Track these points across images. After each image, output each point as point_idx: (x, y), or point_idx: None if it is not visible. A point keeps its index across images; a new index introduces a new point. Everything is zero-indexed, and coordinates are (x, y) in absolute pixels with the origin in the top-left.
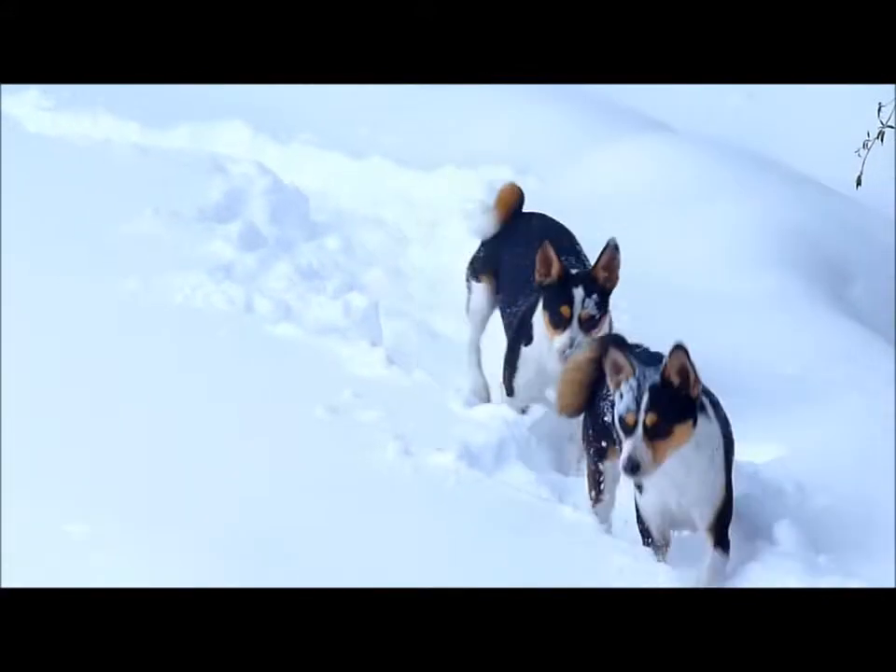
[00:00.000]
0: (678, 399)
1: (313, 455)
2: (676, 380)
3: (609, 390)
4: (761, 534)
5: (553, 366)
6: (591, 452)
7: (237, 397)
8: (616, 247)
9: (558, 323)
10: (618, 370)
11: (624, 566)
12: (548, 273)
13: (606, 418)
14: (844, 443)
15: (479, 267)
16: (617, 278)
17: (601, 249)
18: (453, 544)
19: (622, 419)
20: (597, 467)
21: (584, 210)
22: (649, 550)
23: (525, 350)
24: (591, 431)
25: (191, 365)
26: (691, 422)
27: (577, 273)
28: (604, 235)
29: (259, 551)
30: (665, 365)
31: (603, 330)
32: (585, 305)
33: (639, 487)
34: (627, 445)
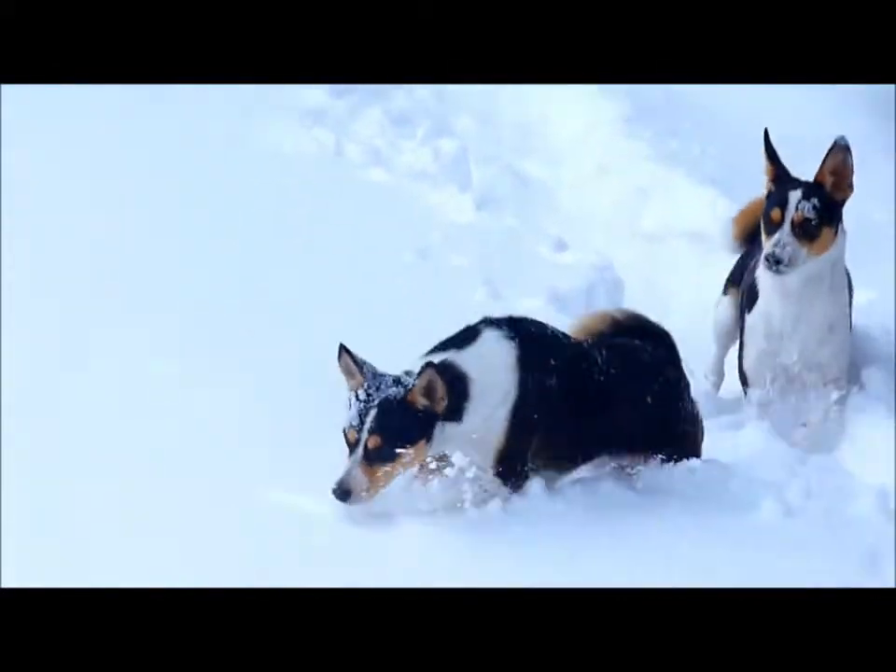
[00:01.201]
0: (415, 419)
1: (402, 298)
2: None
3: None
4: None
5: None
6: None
7: (326, 241)
8: (846, 148)
9: (769, 229)
10: (350, 374)
11: None
12: (770, 178)
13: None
14: None
15: (728, 279)
16: (850, 187)
17: (828, 150)
18: None
19: (343, 432)
20: None
21: None
22: None
23: (747, 318)
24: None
25: (282, 209)
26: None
27: (798, 179)
28: None
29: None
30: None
31: (826, 247)
32: (800, 208)
33: None
34: (345, 465)
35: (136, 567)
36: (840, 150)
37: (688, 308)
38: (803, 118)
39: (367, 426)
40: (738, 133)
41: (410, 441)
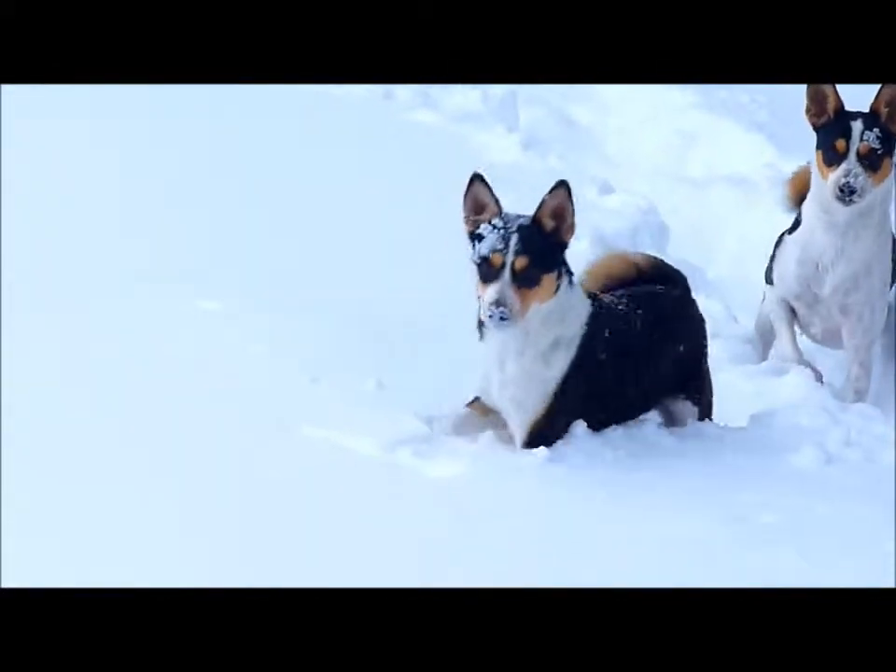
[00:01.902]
0: (548, 245)
1: (449, 237)
2: (549, 223)
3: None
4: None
5: (830, 215)
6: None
7: (375, 181)
8: None
9: (832, 159)
10: (480, 208)
11: None
12: (822, 111)
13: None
14: None
15: (767, 270)
16: None
17: (880, 87)
18: None
19: (485, 260)
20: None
21: None
22: None
23: (787, 238)
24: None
25: (332, 151)
26: (556, 274)
27: (856, 111)
28: None
29: (394, 325)
30: (542, 203)
31: (884, 178)
32: (865, 138)
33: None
34: (491, 290)
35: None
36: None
37: (732, 253)
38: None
39: (512, 248)
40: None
41: (548, 266)
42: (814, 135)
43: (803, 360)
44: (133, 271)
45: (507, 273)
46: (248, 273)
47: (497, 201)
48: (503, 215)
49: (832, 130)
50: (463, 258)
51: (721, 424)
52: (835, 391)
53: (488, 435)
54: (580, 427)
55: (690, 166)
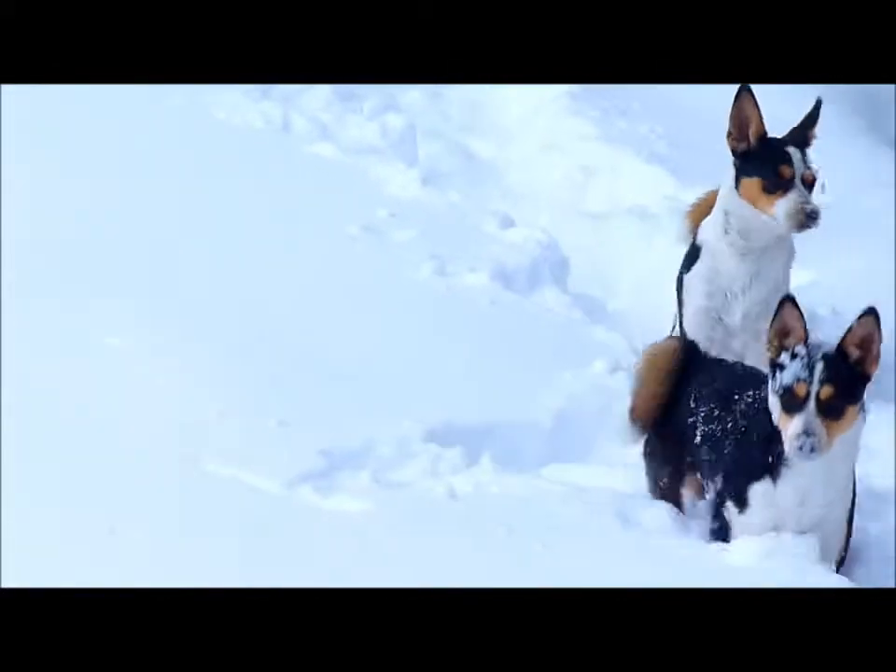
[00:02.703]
0: (852, 376)
1: (347, 272)
2: (855, 353)
3: (699, 405)
4: None
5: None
6: (668, 472)
7: (272, 214)
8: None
9: (777, 186)
10: (786, 332)
11: None
12: (743, 136)
13: (690, 442)
14: (877, 268)
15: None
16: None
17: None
18: (485, 361)
19: (788, 390)
20: (677, 494)
21: None
22: None
23: (688, 277)
24: (667, 448)
25: (228, 182)
26: (859, 406)
27: (779, 137)
28: None
29: (296, 362)
30: (849, 331)
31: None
32: (808, 165)
33: (742, 501)
34: (797, 421)
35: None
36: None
37: (633, 285)
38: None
39: (817, 377)
40: (687, 113)
41: (852, 398)
42: (714, 166)
43: None
44: (35, 303)
45: (812, 403)
46: (151, 308)
47: (804, 327)
48: (808, 342)
49: (766, 156)
50: (361, 291)
51: None
52: None
53: None
54: None
55: (590, 199)
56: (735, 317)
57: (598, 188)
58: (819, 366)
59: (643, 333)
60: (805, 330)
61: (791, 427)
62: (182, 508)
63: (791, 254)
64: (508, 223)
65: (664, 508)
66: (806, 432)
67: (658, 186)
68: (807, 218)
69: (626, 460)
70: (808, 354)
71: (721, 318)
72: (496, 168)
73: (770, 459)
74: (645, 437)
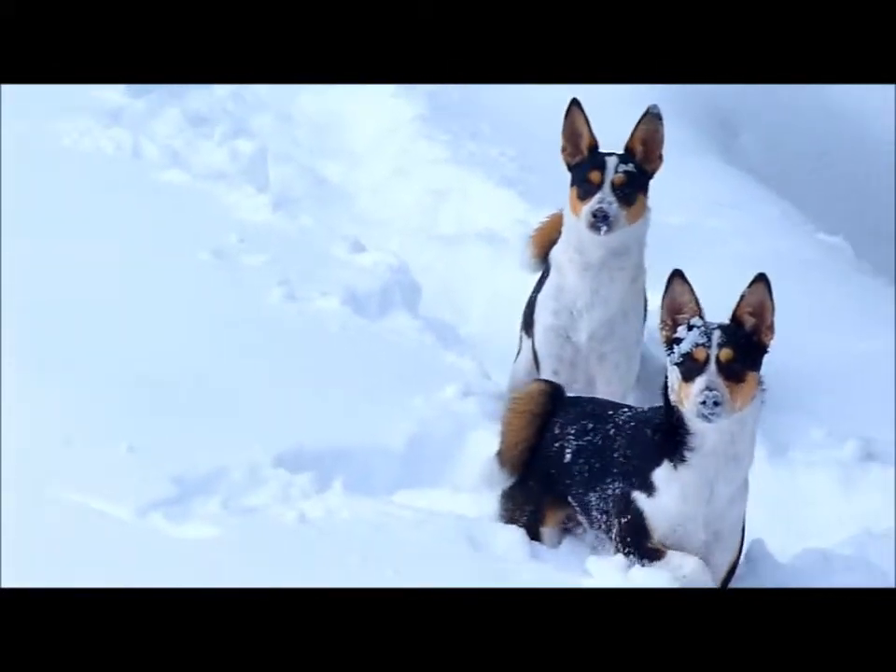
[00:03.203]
0: (749, 343)
1: (198, 298)
2: (749, 321)
3: (566, 428)
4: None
5: (585, 256)
6: (527, 512)
7: (122, 241)
8: (658, 116)
9: (587, 192)
10: (679, 308)
11: None
12: (577, 150)
13: (555, 469)
14: (726, 288)
15: (523, 324)
16: (659, 158)
17: (639, 118)
18: (337, 386)
19: (687, 355)
20: (535, 531)
21: None
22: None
23: (539, 297)
24: (530, 484)
25: (79, 209)
26: (759, 378)
27: (610, 151)
28: None
29: (145, 388)
30: (741, 299)
31: (639, 216)
32: (619, 170)
33: (649, 486)
34: (699, 381)
35: None
36: (652, 119)
37: (484, 309)
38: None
39: (715, 341)
40: (536, 135)
41: (751, 364)
42: (564, 189)
43: None
44: None
45: (712, 365)
46: None
47: (697, 301)
48: (702, 315)
49: (586, 165)
50: (212, 316)
51: None
52: None
53: None
54: None
55: (441, 223)
56: (581, 336)
57: (449, 211)
58: (717, 332)
59: (494, 357)
60: (698, 304)
61: (693, 388)
62: (26, 534)
63: (635, 274)
64: (358, 248)
65: (514, 532)
66: (709, 387)
67: (509, 209)
68: (593, 217)
69: (475, 485)
70: (705, 324)
71: (568, 337)
72: (347, 192)
73: (668, 444)
74: (511, 480)
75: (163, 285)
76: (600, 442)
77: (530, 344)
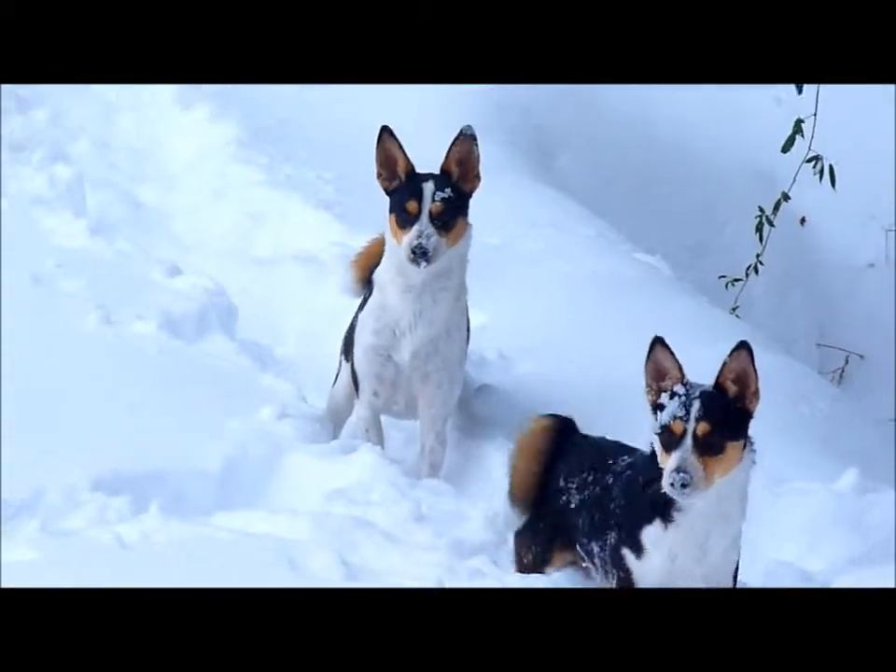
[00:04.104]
0: (731, 412)
1: (15, 322)
2: (732, 388)
3: (569, 480)
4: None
5: (403, 283)
6: (534, 552)
7: None
8: (472, 137)
9: (405, 221)
10: (662, 374)
11: None
12: (393, 175)
13: (562, 516)
14: (547, 309)
15: (343, 350)
16: (477, 177)
17: (453, 139)
18: (153, 409)
19: (666, 429)
20: (540, 571)
21: None
22: None
23: (360, 315)
24: (540, 525)
25: None
26: (742, 443)
27: (427, 173)
28: None
29: None
30: (724, 367)
31: (459, 238)
32: (436, 198)
33: (637, 547)
34: (673, 458)
35: None
36: (466, 139)
37: (300, 331)
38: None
39: (693, 414)
40: (353, 158)
41: (732, 434)
42: (382, 211)
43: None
44: None
45: (688, 440)
46: None
47: (679, 366)
48: (685, 381)
49: (403, 192)
50: (28, 340)
51: None
52: (407, 468)
53: None
54: None
55: (257, 245)
56: (404, 355)
57: (266, 234)
58: (696, 403)
59: (311, 380)
60: (681, 370)
61: (668, 464)
62: None
63: (458, 293)
64: (175, 271)
65: (329, 553)
66: (678, 469)
67: (326, 231)
68: (413, 254)
69: (293, 506)
70: (686, 392)
71: (390, 356)
72: (163, 216)
73: (658, 502)
74: (525, 518)
75: None
76: (599, 493)
77: (349, 367)
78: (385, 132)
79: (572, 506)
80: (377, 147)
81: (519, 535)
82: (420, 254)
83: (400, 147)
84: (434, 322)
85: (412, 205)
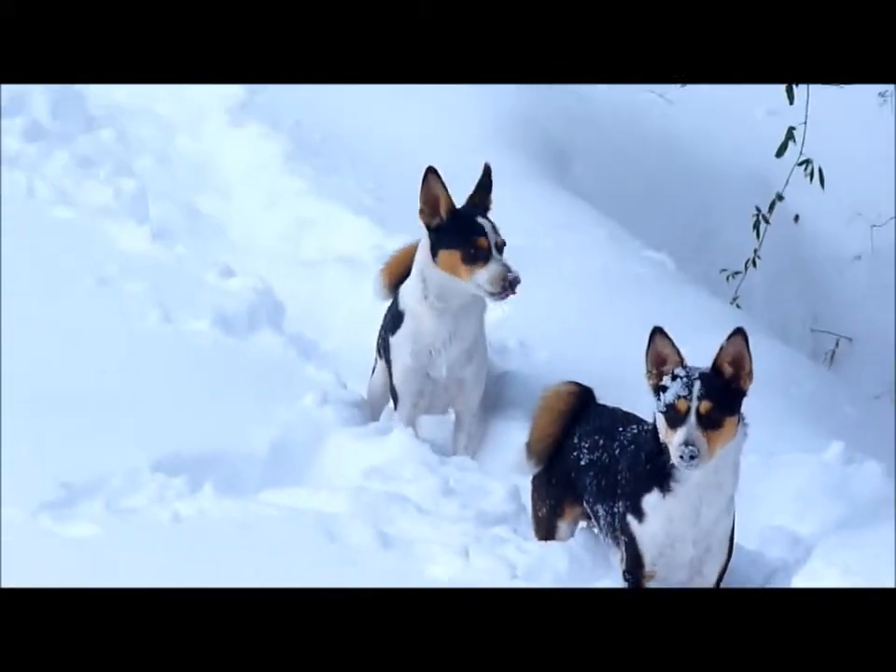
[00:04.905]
0: (728, 391)
1: (83, 319)
2: (728, 370)
3: (582, 440)
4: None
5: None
6: (547, 505)
7: (17, 270)
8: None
9: (476, 257)
10: (663, 360)
11: None
12: (434, 213)
13: (574, 473)
14: (556, 305)
15: (378, 347)
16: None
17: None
18: (208, 398)
19: (671, 407)
20: (552, 523)
21: None
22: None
23: (394, 340)
24: (553, 481)
25: None
26: (737, 418)
27: (467, 209)
28: None
29: (37, 400)
30: (721, 350)
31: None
32: (497, 232)
33: (639, 512)
34: (679, 433)
35: None
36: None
37: (344, 326)
38: (442, 151)
39: (695, 393)
40: (388, 170)
41: (729, 411)
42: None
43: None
44: None
45: (692, 417)
46: None
47: (678, 351)
48: (684, 365)
49: (460, 229)
50: (96, 337)
51: None
52: (436, 447)
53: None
54: None
55: (304, 249)
56: (440, 370)
57: (312, 239)
58: (697, 384)
59: (351, 370)
60: (680, 354)
61: (675, 439)
62: None
63: (483, 308)
64: (228, 273)
65: (367, 523)
66: (686, 442)
67: (366, 235)
68: (510, 286)
69: (333, 483)
70: (687, 374)
71: (428, 374)
72: (219, 223)
73: (658, 473)
74: (537, 470)
75: (52, 308)
76: (607, 461)
77: (383, 365)
78: (430, 172)
79: (582, 462)
80: (422, 186)
81: (535, 486)
82: (515, 285)
83: (443, 185)
84: (466, 337)
85: (482, 242)
